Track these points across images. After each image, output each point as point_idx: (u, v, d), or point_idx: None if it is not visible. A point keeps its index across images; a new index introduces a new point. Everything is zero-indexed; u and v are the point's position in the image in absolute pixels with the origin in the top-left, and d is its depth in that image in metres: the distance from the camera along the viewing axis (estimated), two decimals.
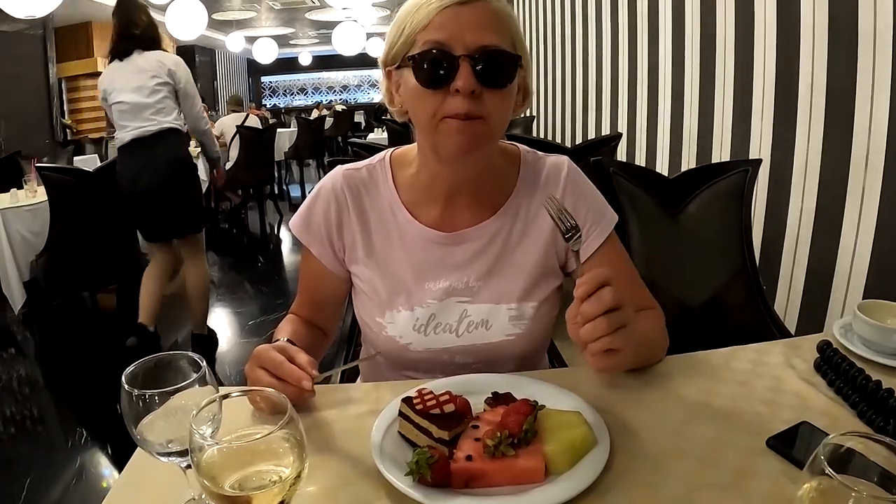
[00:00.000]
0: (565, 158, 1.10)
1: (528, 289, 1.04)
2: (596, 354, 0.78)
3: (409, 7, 0.93)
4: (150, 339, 3.19)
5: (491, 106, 0.91)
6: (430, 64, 0.89)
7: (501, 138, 1.04)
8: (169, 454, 0.64)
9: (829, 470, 0.50)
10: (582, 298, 0.77)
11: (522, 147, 1.12)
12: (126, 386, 0.63)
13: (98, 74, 9.62)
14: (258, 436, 0.51)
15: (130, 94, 2.87)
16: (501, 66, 0.91)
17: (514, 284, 1.04)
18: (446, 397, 0.79)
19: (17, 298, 3.44)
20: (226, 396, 0.59)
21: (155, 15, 3.10)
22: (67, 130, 8.36)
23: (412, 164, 1.07)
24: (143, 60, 2.90)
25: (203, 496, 0.69)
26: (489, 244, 1.04)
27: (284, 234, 6.50)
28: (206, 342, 3.40)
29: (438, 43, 0.89)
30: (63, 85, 9.04)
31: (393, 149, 1.12)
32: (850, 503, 0.49)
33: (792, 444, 0.76)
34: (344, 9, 8.97)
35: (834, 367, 0.92)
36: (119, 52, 2.92)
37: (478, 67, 0.88)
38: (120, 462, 2.38)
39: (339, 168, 1.09)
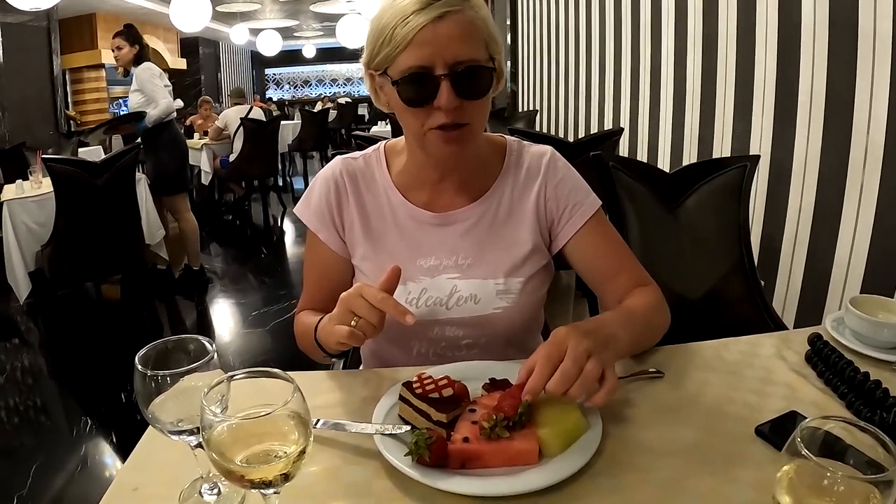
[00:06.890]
0: (549, 147, 1.17)
1: (516, 265, 1.10)
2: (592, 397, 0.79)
3: (388, 19, 0.95)
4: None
5: (472, 113, 0.98)
6: (413, 87, 0.95)
7: (485, 130, 1.11)
8: (179, 432, 0.67)
9: (805, 451, 0.52)
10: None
11: (509, 137, 1.19)
12: (139, 367, 0.66)
13: (102, 66, 9.66)
14: (267, 412, 0.54)
15: None
16: (479, 78, 0.97)
17: (501, 261, 1.10)
18: (445, 382, 0.81)
19: (22, 288, 3.48)
20: (232, 377, 0.61)
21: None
22: (71, 122, 8.37)
23: (403, 153, 1.15)
24: None
25: (210, 474, 0.72)
26: (476, 224, 1.11)
27: (287, 226, 6.53)
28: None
29: (420, 67, 0.94)
30: (67, 76, 9.04)
31: (386, 141, 1.20)
32: (825, 483, 0.51)
33: (780, 432, 0.78)
34: (348, 1, 8.95)
35: (824, 359, 0.94)
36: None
37: (457, 84, 0.94)
38: (124, 450, 2.42)
39: (338, 157, 1.18)
